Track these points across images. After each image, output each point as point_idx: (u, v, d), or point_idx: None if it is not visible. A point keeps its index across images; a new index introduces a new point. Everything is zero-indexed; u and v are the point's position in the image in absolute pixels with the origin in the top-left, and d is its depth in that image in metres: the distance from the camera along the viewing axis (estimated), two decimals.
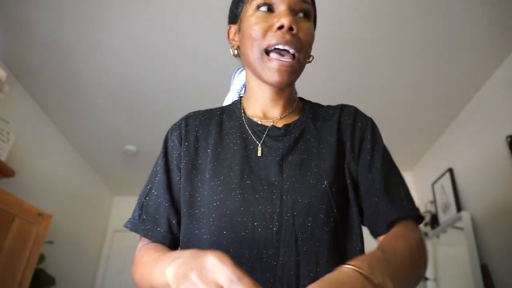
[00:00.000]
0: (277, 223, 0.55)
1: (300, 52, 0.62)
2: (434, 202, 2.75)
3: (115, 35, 1.89)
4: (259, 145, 0.63)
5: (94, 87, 2.30)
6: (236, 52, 0.74)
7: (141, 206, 0.66)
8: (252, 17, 0.63)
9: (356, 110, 0.70)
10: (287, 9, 0.61)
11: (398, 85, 2.20)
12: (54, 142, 2.74)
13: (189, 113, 0.75)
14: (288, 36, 0.60)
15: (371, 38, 1.87)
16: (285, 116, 0.69)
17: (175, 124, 0.72)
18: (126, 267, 3.75)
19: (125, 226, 0.66)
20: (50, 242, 2.44)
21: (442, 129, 2.64)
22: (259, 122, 0.67)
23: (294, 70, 0.63)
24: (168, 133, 0.72)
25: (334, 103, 0.75)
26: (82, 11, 1.75)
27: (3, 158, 1.85)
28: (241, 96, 0.79)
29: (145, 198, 0.67)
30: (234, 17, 0.71)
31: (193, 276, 0.39)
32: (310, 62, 0.69)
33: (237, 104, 0.74)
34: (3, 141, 1.86)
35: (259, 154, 0.62)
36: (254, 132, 0.66)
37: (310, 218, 0.55)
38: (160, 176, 0.66)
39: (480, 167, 2.19)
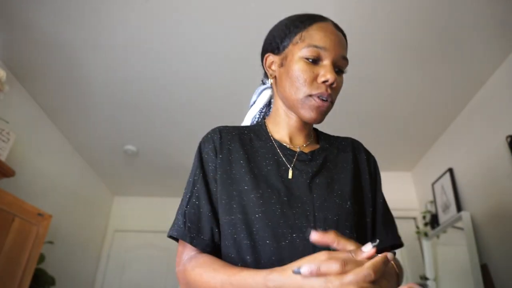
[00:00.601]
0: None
1: (334, 99, 0.73)
2: (434, 202, 2.75)
3: (115, 35, 1.89)
4: (290, 168, 0.72)
5: (94, 87, 2.30)
6: (271, 81, 0.82)
7: (184, 215, 0.69)
8: (300, 62, 0.71)
9: (364, 146, 0.85)
10: (331, 65, 0.70)
11: (398, 85, 2.20)
12: (54, 142, 2.74)
13: (219, 127, 0.80)
14: (329, 90, 0.70)
15: (371, 38, 1.87)
16: (308, 144, 0.79)
17: (207, 137, 0.78)
18: (126, 267, 3.75)
19: (171, 234, 0.69)
20: (50, 242, 2.44)
21: (442, 129, 2.64)
22: (288, 147, 0.76)
23: (327, 112, 0.74)
24: (201, 144, 0.78)
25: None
26: (82, 11, 1.75)
27: (3, 158, 1.85)
28: (264, 118, 0.89)
29: (186, 207, 0.70)
30: (277, 49, 0.79)
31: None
32: None
33: (262, 126, 0.82)
34: (3, 141, 1.86)
35: (290, 176, 0.70)
36: (285, 155, 0.74)
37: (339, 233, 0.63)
38: (200, 187, 0.71)
39: (480, 167, 2.19)
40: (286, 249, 0.62)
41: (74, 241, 3.11)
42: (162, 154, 3.15)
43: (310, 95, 0.71)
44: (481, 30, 1.77)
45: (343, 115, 2.45)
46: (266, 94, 0.92)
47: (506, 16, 1.68)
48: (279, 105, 0.81)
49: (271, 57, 0.81)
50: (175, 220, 0.70)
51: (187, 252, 0.68)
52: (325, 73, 0.69)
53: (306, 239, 0.61)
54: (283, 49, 0.77)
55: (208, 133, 0.79)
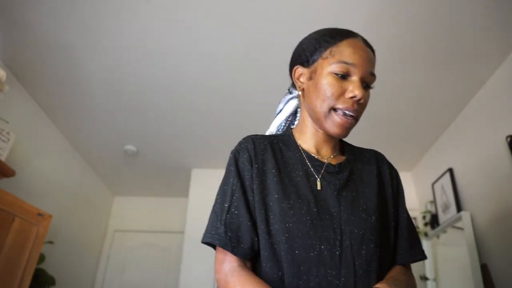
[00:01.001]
0: (339, 248, 0.66)
1: (358, 117, 0.75)
2: (434, 202, 2.75)
3: (115, 35, 1.89)
4: (319, 179, 0.73)
5: (94, 87, 2.30)
6: (299, 93, 0.83)
7: (225, 224, 0.69)
8: (329, 77, 0.73)
9: (386, 159, 0.86)
10: (360, 81, 0.73)
11: (398, 85, 2.20)
12: (54, 142, 2.74)
13: (252, 136, 0.82)
14: (356, 105, 0.72)
15: (371, 38, 1.86)
16: (335, 156, 0.81)
17: (241, 146, 0.78)
18: (126, 267, 3.75)
19: (211, 241, 0.70)
20: (50, 242, 2.44)
21: (442, 129, 2.64)
22: (316, 157, 0.78)
23: (352, 127, 0.76)
24: (236, 153, 0.78)
25: None
26: (82, 11, 1.75)
27: (3, 158, 1.84)
28: (290, 127, 0.90)
29: (226, 216, 0.70)
30: (306, 62, 0.79)
31: None
32: None
33: (290, 136, 0.84)
34: (3, 141, 1.86)
35: (318, 187, 0.72)
36: (313, 166, 0.76)
37: (364, 247, 0.67)
38: (238, 196, 0.71)
39: (480, 167, 2.19)
40: (314, 260, 0.65)
41: (74, 241, 3.11)
42: (162, 154, 3.15)
43: (335, 109, 0.73)
44: (481, 30, 1.77)
45: None
46: (293, 103, 0.91)
47: (506, 16, 1.68)
48: (305, 116, 0.82)
49: (300, 69, 0.82)
50: (211, 227, 0.70)
51: (229, 261, 0.69)
52: (353, 89, 0.71)
53: (333, 251, 0.65)
54: (313, 63, 0.78)
55: (241, 143, 0.80)
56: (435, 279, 2.60)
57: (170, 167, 3.38)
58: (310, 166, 0.76)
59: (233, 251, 0.67)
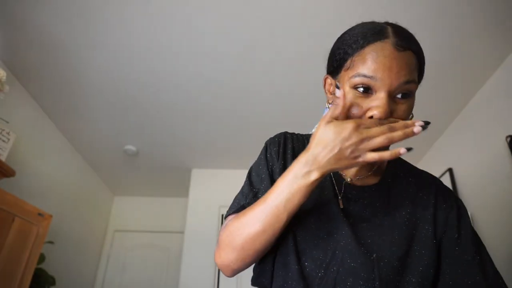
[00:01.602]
0: (323, 271, 0.61)
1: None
2: None
3: (115, 35, 1.89)
4: (331, 194, 0.68)
5: (94, 87, 2.30)
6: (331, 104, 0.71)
7: (249, 204, 0.67)
8: (350, 93, 0.61)
9: (440, 185, 0.72)
10: (386, 97, 0.58)
11: None
12: (54, 142, 2.74)
13: (286, 133, 0.78)
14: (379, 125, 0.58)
15: None
16: (365, 177, 0.70)
17: (274, 139, 0.77)
18: (126, 267, 3.75)
19: (230, 212, 0.69)
20: (51, 242, 2.44)
21: (442, 129, 2.64)
22: (340, 173, 0.71)
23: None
24: (267, 144, 0.77)
25: None
26: (83, 12, 1.75)
27: (3, 158, 1.85)
28: None
29: (252, 199, 0.68)
30: (333, 71, 0.68)
31: (323, 138, 0.56)
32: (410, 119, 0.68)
33: None
34: (3, 141, 1.86)
35: (327, 202, 0.67)
36: (331, 181, 0.70)
37: (350, 279, 0.60)
38: (266, 185, 0.69)
39: (480, 167, 2.19)
40: (296, 276, 0.63)
41: (74, 241, 3.11)
42: (162, 154, 3.15)
43: None
44: (481, 30, 1.78)
45: None
46: None
47: (506, 16, 1.68)
48: None
49: (329, 80, 0.71)
50: (237, 204, 0.70)
51: (228, 220, 0.69)
52: (375, 108, 0.58)
53: (316, 270, 0.62)
54: (338, 73, 0.66)
55: (275, 136, 0.78)
56: None
57: (170, 167, 3.38)
58: (328, 179, 0.70)
59: None
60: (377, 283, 0.58)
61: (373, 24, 0.65)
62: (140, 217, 3.99)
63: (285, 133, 0.78)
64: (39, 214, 1.98)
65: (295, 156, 0.70)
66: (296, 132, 0.80)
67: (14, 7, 1.73)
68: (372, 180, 0.71)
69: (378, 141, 0.54)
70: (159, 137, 2.88)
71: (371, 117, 0.59)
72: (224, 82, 2.24)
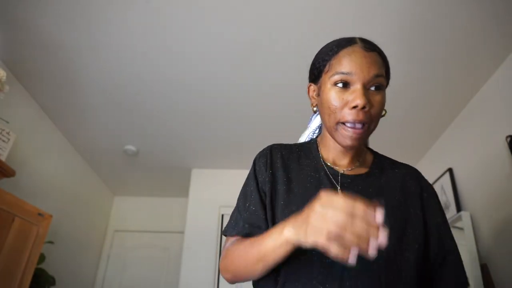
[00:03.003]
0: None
1: (370, 123, 0.73)
2: None
3: (115, 35, 1.89)
4: (329, 187, 0.75)
5: (94, 87, 2.30)
6: (315, 108, 0.84)
7: (244, 219, 0.76)
8: (331, 91, 0.73)
9: (421, 177, 0.82)
10: (362, 88, 0.69)
11: (397, 85, 2.20)
12: (54, 142, 2.74)
13: (273, 144, 0.86)
14: (361, 115, 0.69)
15: (372, 38, 1.87)
16: (354, 168, 0.80)
17: (262, 153, 0.84)
18: (126, 267, 3.75)
19: (231, 233, 0.77)
20: (50, 242, 2.44)
21: (442, 129, 2.64)
22: (332, 167, 0.79)
23: (363, 137, 0.73)
24: (256, 158, 0.84)
25: None
26: (83, 12, 1.75)
27: (3, 158, 1.85)
28: (317, 137, 0.92)
29: (246, 213, 0.77)
30: (315, 78, 0.81)
31: (316, 208, 0.52)
32: (383, 116, 0.79)
33: (314, 144, 0.86)
34: (3, 141, 1.86)
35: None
36: (327, 175, 0.77)
37: (361, 259, 0.64)
38: (255, 196, 0.77)
39: (480, 167, 2.19)
40: (303, 264, 0.66)
41: (74, 241, 3.11)
42: (162, 154, 3.15)
43: (342, 122, 0.72)
44: (481, 30, 1.78)
45: None
46: (319, 118, 0.97)
47: (506, 16, 1.68)
48: (324, 129, 0.84)
49: (312, 87, 0.84)
50: (233, 223, 0.78)
51: (230, 240, 0.76)
52: (355, 98, 0.69)
53: (323, 257, 0.64)
54: (319, 79, 0.79)
55: (262, 150, 0.85)
56: None
57: (170, 167, 3.38)
58: (324, 174, 0.77)
59: (248, 237, 0.73)
60: (382, 261, 0.64)
61: (343, 37, 0.80)
62: (140, 217, 3.99)
63: (272, 145, 0.85)
64: (39, 214, 1.98)
65: (285, 163, 0.80)
66: (284, 143, 0.88)
67: (15, 7, 1.73)
68: (362, 171, 0.80)
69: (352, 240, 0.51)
70: (159, 137, 2.88)
71: (355, 106, 0.69)
72: (224, 82, 2.24)
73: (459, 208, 2.37)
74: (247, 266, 0.66)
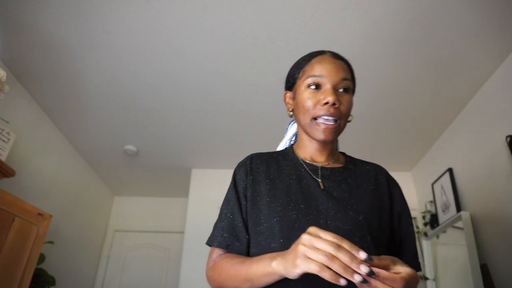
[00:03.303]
0: None
1: (341, 119, 0.82)
2: (433, 202, 2.75)
3: (115, 35, 1.89)
4: (311, 180, 0.82)
5: (94, 87, 2.30)
6: (291, 113, 0.93)
7: (222, 228, 0.82)
8: (305, 92, 0.84)
9: (388, 173, 0.92)
10: (332, 88, 0.81)
11: (398, 85, 2.21)
12: (54, 142, 2.74)
13: (252, 154, 0.93)
14: (332, 110, 0.80)
15: (371, 39, 1.87)
16: (330, 163, 0.88)
17: (242, 162, 0.91)
18: (126, 267, 3.75)
19: (211, 244, 0.83)
20: (51, 242, 2.45)
21: (442, 129, 2.64)
22: (310, 162, 0.87)
23: (335, 132, 0.82)
24: (236, 169, 0.91)
25: None
26: (82, 12, 1.75)
27: (3, 158, 1.85)
28: (292, 144, 1.00)
29: (224, 222, 0.83)
30: (290, 86, 0.93)
31: (305, 239, 0.57)
32: (350, 121, 0.89)
33: (290, 149, 0.94)
34: (3, 141, 1.86)
35: (309, 188, 0.80)
36: (306, 171, 0.85)
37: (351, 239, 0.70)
38: (233, 204, 0.84)
39: (480, 167, 2.19)
40: None
41: (74, 241, 3.11)
42: (162, 154, 3.15)
43: (315, 118, 0.82)
44: (481, 30, 1.78)
45: None
46: (295, 126, 1.07)
47: (506, 17, 1.69)
48: (300, 131, 0.92)
49: (288, 94, 0.95)
50: (214, 232, 0.84)
51: (217, 252, 0.82)
52: (325, 96, 0.80)
53: None
54: (294, 85, 0.91)
55: (243, 160, 0.92)
56: (434, 279, 2.61)
57: (170, 167, 3.38)
58: (303, 171, 0.84)
59: (229, 248, 0.79)
60: (369, 238, 0.72)
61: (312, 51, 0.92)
62: (140, 217, 3.99)
63: (251, 155, 0.92)
64: (39, 214, 1.98)
65: (265, 166, 0.87)
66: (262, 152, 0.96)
67: (15, 7, 1.73)
68: (338, 165, 0.89)
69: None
70: (159, 137, 2.88)
71: (327, 103, 0.79)
72: (225, 82, 2.24)
73: (459, 208, 2.37)
74: (234, 283, 0.72)
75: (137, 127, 2.74)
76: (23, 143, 2.30)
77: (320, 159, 0.88)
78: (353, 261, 0.52)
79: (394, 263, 0.57)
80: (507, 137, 1.90)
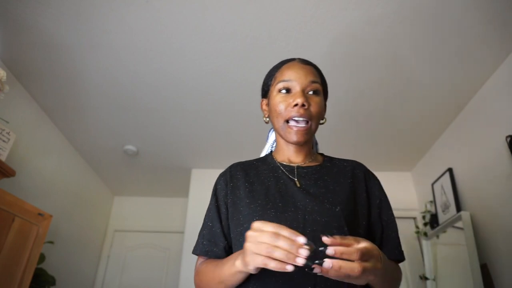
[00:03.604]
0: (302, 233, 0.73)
1: (312, 120, 0.85)
2: (433, 202, 2.75)
3: (115, 35, 1.89)
4: (288, 180, 0.85)
5: (94, 87, 2.30)
6: (268, 119, 0.97)
7: (203, 236, 0.87)
8: (277, 97, 0.89)
9: (365, 168, 0.93)
10: (301, 91, 0.86)
11: (397, 85, 2.21)
12: (54, 142, 2.74)
13: (233, 163, 0.97)
14: (302, 111, 0.83)
15: (372, 38, 1.87)
16: (307, 163, 0.92)
17: (222, 173, 0.96)
18: (126, 267, 3.75)
19: (194, 253, 0.87)
20: (51, 242, 2.45)
21: (442, 129, 2.64)
22: (286, 164, 0.91)
23: (307, 133, 0.86)
24: (217, 179, 0.95)
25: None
26: (82, 12, 1.75)
27: (3, 158, 1.85)
28: (272, 150, 1.05)
29: (204, 230, 0.88)
30: (265, 93, 0.98)
31: (249, 235, 0.60)
32: (323, 123, 0.93)
33: (269, 155, 0.99)
34: (3, 141, 1.86)
35: (287, 187, 0.83)
36: (283, 172, 0.88)
37: (326, 233, 0.72)
38: (213, 212, 0.88)
39: (480, 167, 2.19)
40: None
41: (74, 241, 3.11)
42: (162, 154, 3.15)
43: (287, 121, 0.86)
44: (481, 30, 1.78)
45: (344, 116, 2.45)
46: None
47: (506, 16, 1.69)
48: (277, 136, 0.96)
49: (263, 101, 0.99)
50: (197, 241, 0.88)
51: (200, 259, 0.87)
52: (295, 98, 0.84)
53: None
54: (267, 92, 0.96)
55: (223, 170, 0.96)
56: (434, 279, 2.61)
57: (170, 167, 3.38)
58: (280, 172, 0.88)
59: (208, 254, 0.83)
60: (346, 228, 0.75)
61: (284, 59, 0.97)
62: (140, 217, 3.99)
63: (231, 165, 0.97)
64: (39, 214, 1.98)
65: (245, 173, 0.90)
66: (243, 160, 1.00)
67: (15, 7, 1.73)
68: (315, 163, 0.92)
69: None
70: (159, 137, 2.88)
71: (296, 104, 0.83)
72: (225, 83, 2.24)
73: (459, 208, 2.37)
74: (212, 286, 0.76)
75: (137, 127, 2.74)
76: (23, 143, 2.30)
77: (297, 160, 0.92)
78: (293, 246, 0.55)
79: (358, 242, 0.58)
80: (507, 137, 1.90)
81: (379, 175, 1.01)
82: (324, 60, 1.97)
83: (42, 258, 2.19)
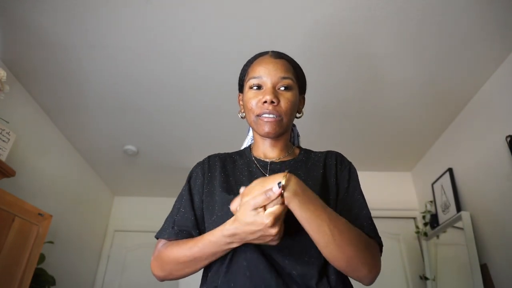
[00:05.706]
0: None
1: (283, 115, 0.86)
2: (433, 202, 2.75)
3: (115, 35, 1.89)
4: (261, 174, 0.87)
5: (94, 87, 2.30)
6: (244, 114, 0.97)
7: (174, 222, 0.86)
8: (248, 93, 0.90)
9: (339, 155, 0.94)
10: (271, 88, 0.86)
11: (398, 85, 2.21)
12: (54, 142, 2.74)
13: (210, 155, 0.99)
14: (270, 107, 0.85)
15: (371, 38, 1.87)
16: (282, 158, 0.93)
17: (199, 162, 0.98)
18: (126, 267, 3.75)
19: (161, 237, 0.87)
20: (51, 242, 2.45)
21: (442, 129, 2.64)
22: (261, 159, 0.93)
23: (278, 125, 0.86)
24: (193, 168, 0.98)
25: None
26: (82, 12, 1.75)
27: (3, 158, 1.85)
28: (250, 144, 1.06)
29: (176, 216, 0.87)
30: (240, 87, 0.99)
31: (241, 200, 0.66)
32: (299, 117, 0.97)
33: (247, 149, 1.00)
34: (3, 141, 1.86)
35: None
36: (257, 167, 0.90)
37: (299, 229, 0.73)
38: (186, 199, 0.89)
39: (480, 167, 2.19)
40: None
41: (74, 241, 3.11)
42: (162, 154, 3.15)
43: (258, 115, 0.87)
44: (481, 30, 1.78)
45: (344, 116, 2.45)
46: None
47: (506, 16, 1.69)
48: (253, 131, 0.97)
49: (240, 96, 1.00)
50: (164, 226, 0.88)
51: (162, 242, 0.85)
52: (264, 95, 0.85)
53: None
54: (242, 87, 0.97)
55: (202, 160, 0.98)
56: (434, 279, 2.61)
57: (170, 167, 3.38)
58: (254, 167, 0.90)
59: (178, 236, 0.82)
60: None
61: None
62: (140, 217, 3.99)
63: (210, 155, 0.99)
64: (39, 214, 1.98)
65: (222, 165, 0.92)
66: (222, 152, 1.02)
67: (15, 7, 1.73)
68: (289, 158, 0.93)
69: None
70: (159, 137, 2.88)
71: (265, 101, 0.84)
72: (224, 82, 2.24)
73: (459, 208, 2.37)
74: (179, 268, 0.77)
75: (137, 127, 2.74)
76: (23, 143, 2.30)
77: (271, 155, 0.93)
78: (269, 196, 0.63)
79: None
80: (507, 137, 1.90)
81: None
82: (321, 59, 1.96)
83: (42, 258, 2.19)
